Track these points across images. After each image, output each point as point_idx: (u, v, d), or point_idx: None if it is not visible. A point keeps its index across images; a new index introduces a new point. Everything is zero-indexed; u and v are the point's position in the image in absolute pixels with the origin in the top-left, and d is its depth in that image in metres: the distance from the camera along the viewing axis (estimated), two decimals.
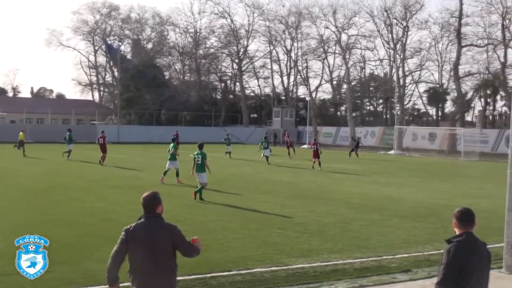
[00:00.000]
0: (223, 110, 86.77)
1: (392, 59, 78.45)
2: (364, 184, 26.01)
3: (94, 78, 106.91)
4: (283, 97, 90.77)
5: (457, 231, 5.48)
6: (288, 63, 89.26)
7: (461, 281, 5.18)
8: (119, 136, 65.73)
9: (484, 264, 5.40)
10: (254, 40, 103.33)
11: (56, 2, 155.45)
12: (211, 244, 12.43)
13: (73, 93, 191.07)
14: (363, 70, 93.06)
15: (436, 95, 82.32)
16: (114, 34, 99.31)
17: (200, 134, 62.73)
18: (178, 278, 6.36)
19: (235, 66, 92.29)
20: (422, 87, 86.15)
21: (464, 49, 69.32)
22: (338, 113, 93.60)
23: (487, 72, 72.69)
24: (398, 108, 69.26)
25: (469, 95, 79.82)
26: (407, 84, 77.21)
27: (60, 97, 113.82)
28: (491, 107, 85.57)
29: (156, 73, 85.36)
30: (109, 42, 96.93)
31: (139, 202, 5.97)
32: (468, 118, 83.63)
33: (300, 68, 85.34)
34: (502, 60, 65.76)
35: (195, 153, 20.04)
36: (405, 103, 76.48)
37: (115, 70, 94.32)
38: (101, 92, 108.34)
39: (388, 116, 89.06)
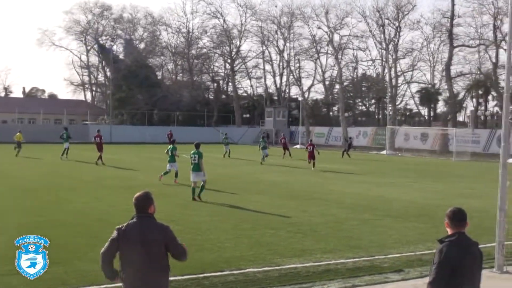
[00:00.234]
0: (216, 110, 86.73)
1: (384, 60, 78.48)
2: (356, 184, 26.05)
3: (86, 78, 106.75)
4: (276, 97, 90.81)
5: (449, 231, 5.50)
6: (281, 63, 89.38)
7: (453, 281, 5.21)
8: (112, 136, 65.54)
9: (476, 263, 5.42)
10: (246, 40, 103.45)
11: (48, 2, 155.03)
12: (204, 244, 12.43)
13: (65, 93, 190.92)
14: (356, 71, 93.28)
15: (428, 95, 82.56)
16: (107, 34, 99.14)
17: (193, 134, 62.60)
18: (171, 278, 6.35)
19: (227, 66, 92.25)
20: (414, 87, 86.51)
21: (456, 50, 69.54)
22: (331, 113, 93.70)
23: (478, 72, 72.94)
24: (390, 108, 69.38)
25: (461, 95, 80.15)
26: (399, 84, 77.36)
27: (52, 97, 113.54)
28: (483, 107, 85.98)
29: (149, 73, 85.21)
30: (101, 42, 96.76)
31: (132, 203, 5.97)
32: (460, 118, 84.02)
33: (292, 68, 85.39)
34: (494, 60, 65.98)
35: (192, 152, 20.07)
36: (397, 103, 76.64)
37: (108, 70, 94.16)
38: (93, 92, 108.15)
39: (380, 116, 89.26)
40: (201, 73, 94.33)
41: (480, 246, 5.58)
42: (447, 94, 73.55)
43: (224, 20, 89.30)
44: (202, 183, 19.67)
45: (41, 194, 20.39)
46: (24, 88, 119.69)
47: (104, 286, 8.97)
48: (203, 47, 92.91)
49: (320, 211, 17.55)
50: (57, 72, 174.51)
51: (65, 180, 25.51)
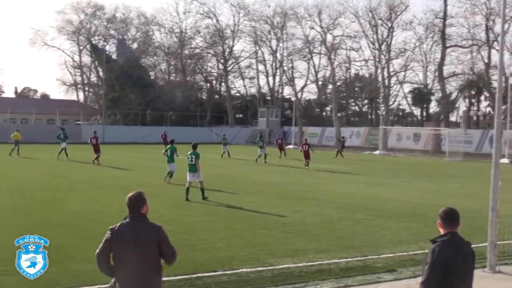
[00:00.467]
0: (209, 110, 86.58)
1: (377, 60, 78.69)
2: (349, 184, 26.09)
3: (78, 78, 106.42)
4: (269, 97, 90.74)
5: (441, 231, 5.52)
6: (274, 64, 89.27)
7: (445, 281, 5.22)
8: (104, 137, 65.27)
9: (468, 263, 5.44)
10: (239, 40, 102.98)
11: (40, 2, 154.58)
12: (197, 244, 12.43)
13: (58, 93, 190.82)
14: (349, 71, 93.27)
15: (420, 96, 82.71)
16: (99, 34, 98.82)
17: (186, 134, 62.54)
18: (163, 278, 6.35)
19: (220, 66, 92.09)
20: (407, 88, 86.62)
21: (448, 50, 69.70)
22: (324, 113, 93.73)
23: (471, 72, 73.12)
24: (383, 108, 69.51)
25: (453, 96, 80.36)
26: (392, 85, 77.44)
27: (45, 97, 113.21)
28: (475, 108, 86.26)
29: (142, 73, 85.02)
30: (94, 42, 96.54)
31: (125, 203, 5.96)
32: (453, 118, 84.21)
33: (285, 68, 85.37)
34: (486, 61, 66.18)
35: (189, 153, 20.11)
36: (390, 103, 76.72)
37: (100, 70, 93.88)
38: (86, 92, 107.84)
39: (373, 117, 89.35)
40: (194, 73, 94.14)
41: (472, 246, 5.60)
42: (440, 94, 73.77)
43: (217, 20, 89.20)
44: (199, 184, 19.74)
45: (33, 194, 20.33)
46: (16, 88, 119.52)
47: (97, 286, 8.96)
48: (196, 47, 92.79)
49: (313, 211, 17.57)
50: (49, 72, 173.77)
51: (58, 180, 25.43)
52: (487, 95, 72.83)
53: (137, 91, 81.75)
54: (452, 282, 5.25)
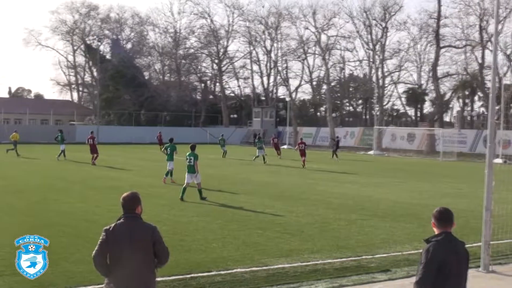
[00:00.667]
0: (203, 111, 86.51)
1: (371, 60, 78.80)
2: (343, 184, 26.11)
3: (73, 78, 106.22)
4: (263, 98, 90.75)
5: (435, 231, 5.53)
6: (268, 64, 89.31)
7: (439, 281, 5.23)
8: (99, 137, 64.89)
9: (462, 263, 5.45)
10: (234, 40, 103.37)
11: (34, 2, 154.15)
12: (191, 244, 12.41)
13: (52, 93, 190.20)
14: (343, 71, 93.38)
15: (415, 96, 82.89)
16: (93, 34, 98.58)
17: (180, 134, 62.37)
18: (158, 278, 6.34)
19: (215, 66, 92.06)
20: (401, 88, 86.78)
21: (442, 50, 69.95)
22: (318, 113, 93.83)
23: (465, 73, 73.28)
24: (377, 108, 69.64)
25: (447, 96, 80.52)
26: (386, 85, 77.65)
27: (38, 97, 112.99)
28: (469, 108, 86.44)
29: (136, 73, 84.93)
30: (88, 42, 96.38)
31: (118, 203, 5.95)
32: (447, 118, 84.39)
33: (280, 68, 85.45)
34: (480, 61, 66.38)
35: (187, 154, 20.12)
36: (384, 103, 76.93)
37: (94, 70, 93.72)
38: (80, 93, 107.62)
39: (367, 117, 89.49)
40: (188, 74, 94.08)
41: (466, 245, 5.62)
42: (434, 95, 73.97)
43: (212, 20, 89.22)
44: (197, 186, 19.76)
45: (26, 194, 20.25)
46: (10, 88, 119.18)
47: (92, 287, 8.94)
48: (191, 47, 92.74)
49: (308, 211, 17.57)
50: (43, 72, 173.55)
51: (52, 180, 25.34)
52: (481, 95, 73.04)
53: (132, 91, 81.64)
54: (446, 282, 5.25)
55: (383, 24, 72.53)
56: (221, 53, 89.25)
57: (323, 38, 79.05)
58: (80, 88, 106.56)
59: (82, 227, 14.12)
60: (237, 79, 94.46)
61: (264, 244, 12.66)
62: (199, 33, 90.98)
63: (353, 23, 76.47)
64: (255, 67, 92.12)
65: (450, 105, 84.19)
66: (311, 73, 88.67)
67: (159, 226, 6.08)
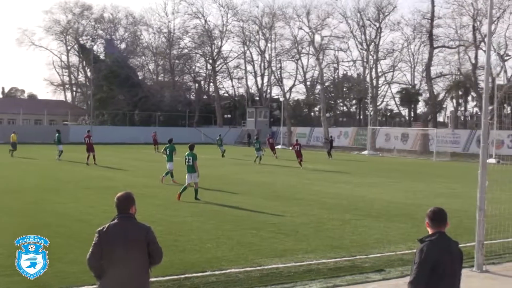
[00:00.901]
0: (197, 111, 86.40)
1: (365, 60, 78.92)
2: (337, 184, 26.14)
3: (66, 78, 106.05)
4: (257, 98, 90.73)
5: (429, 231, 5.54)
6: (262, 64, 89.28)
7: (433, 280, 5.24)
8: (93, 137, 65.11)
9: (456, 263, 5.46)
10: (228, 40, 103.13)
11: (28, 1, 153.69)
12: (185, 244, 12.40)
13: (45, 93, 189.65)
14: (337, 71, 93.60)
15: (408, 96, 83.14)
16: (87, 34, 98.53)
17: (174, 134, 61.98)
18: (152, 279, 6.33)
19: (209, 66, 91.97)
20: (395, 88, 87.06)
21: (436, 51, 70.12)
22: (312, 113, 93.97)
23: (458, 73, 73.52)
24: (371, 108, 69.71)
25: (441, 96, 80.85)
26: (380, 85, 77.85)
27: (32, 97, 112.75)
28: (463, 108, 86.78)
29: (130, 74, 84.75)
30: (81, 42, 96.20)
31: (112, 203, 5.93)
32: (440, 118, 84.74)
33: (274, 68, 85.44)
34: (473, 61, 66.54)
35: (186, 154, 20.11)
36: (378, 103, 77.07)
37: (88, 70, 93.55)
38: (74, 93, 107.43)
39: (361, 117, 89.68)
40: (182, 74, 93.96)
41: (460, 245, 5.63)
42: (427, 95, 74.14)
43: (206, 21, 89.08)
44: (194, 185, 19.80)
45: (19, 195, 20.17)
46: (3, 88, 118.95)
47: (85, 287, 8.92)
48: (185, 48, 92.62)
49: (302, 211, 17.58)
50: (37, 72, 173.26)
51: (46, 180, 25.27)
52: (474, 95, 73.31)
53: (125, 92, 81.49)
54: (440, 281, 5.27)
55: (377, 25, 72.67)
56: (215, 53, 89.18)
57: (317, 38, 79.24)
58: (74, 88, 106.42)
59: (76, 228, 14.09)
60: (231, 79, 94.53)
61: (259, 244, 12.66)
62: (193, 33, 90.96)
63: (347, 23, 76.62)
64: (249, 67, 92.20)
65: (444, 105, 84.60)
66: (305, 73, 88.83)
67: (153, 226, 6.07)
